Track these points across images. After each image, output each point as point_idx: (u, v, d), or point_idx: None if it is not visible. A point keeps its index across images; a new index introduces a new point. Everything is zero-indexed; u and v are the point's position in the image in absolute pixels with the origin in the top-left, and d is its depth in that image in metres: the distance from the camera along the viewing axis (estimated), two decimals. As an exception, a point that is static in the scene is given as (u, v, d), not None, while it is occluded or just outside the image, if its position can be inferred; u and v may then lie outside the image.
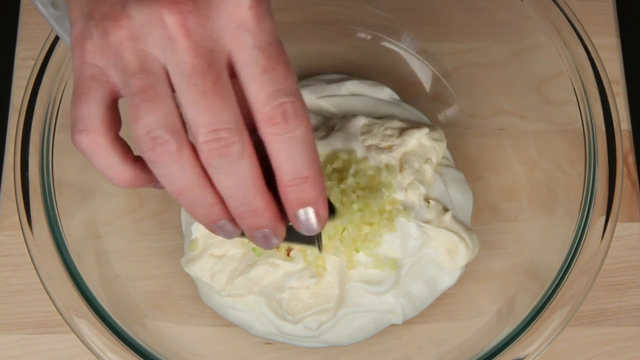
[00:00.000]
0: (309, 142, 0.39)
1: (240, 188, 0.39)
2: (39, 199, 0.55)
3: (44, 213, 0.55)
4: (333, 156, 0.60)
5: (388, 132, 0.62)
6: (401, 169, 0.60)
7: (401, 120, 0.64)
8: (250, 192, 0.39)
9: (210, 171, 0.39)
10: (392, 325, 0.61)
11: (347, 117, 0.64)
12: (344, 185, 0.58)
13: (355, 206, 0.58)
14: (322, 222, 0.41)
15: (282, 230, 0.42)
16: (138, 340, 0.54)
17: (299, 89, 0.39)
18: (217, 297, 0.61)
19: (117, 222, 0.62)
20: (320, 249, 0.46)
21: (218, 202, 0.40)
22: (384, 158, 0.60)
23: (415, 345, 0.61)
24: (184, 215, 0.65)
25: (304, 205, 0.40)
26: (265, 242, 0.42)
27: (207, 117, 0.37)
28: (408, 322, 0.61)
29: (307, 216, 0.40)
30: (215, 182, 0.39)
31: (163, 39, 0.37)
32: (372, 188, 0.59)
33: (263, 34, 0.38)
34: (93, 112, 0.39)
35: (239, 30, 0.38)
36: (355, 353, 0.62)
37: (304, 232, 0.41)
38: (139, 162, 0.41)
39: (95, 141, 0.39)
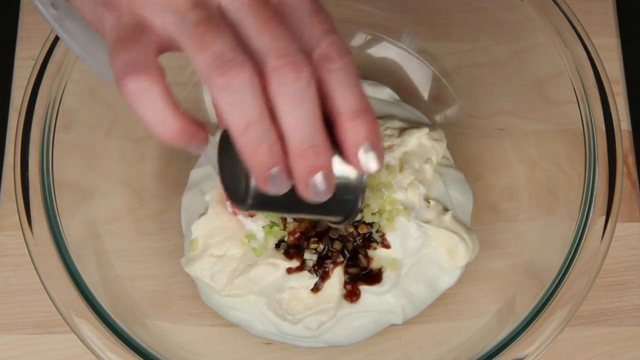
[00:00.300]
0: (356, 77, 0.40)
1: (307, 120, 0.38)
2: (39, 198, 0.55)
3: (44, 213, 0.55)
4: None
5: (388, 132, 0.62)
6: (401, 169, 0.60)
7: (401, 120, 0.64)
8: (315, 125, 0.39)
9: (280, 100, 0.38)
10: (392, 325, 0.61)
11: None
12: None
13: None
14: (381, 159, 0.41)
15: (333, 179, 0.40)
16: (138, 340, 0.54)
17: None
18: (217, 297, 0.61)
19: (117, 222, 0.62)
20: (348, 219, 0.45)
21: (279, 140, 0.39)
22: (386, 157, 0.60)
23: (415, 345, 0.61)
24: (184, 215, 0.65)
25: (367, 138, 0.40)
26: (318, 191, 0.40)
27: (276, 43, 0.37)
28: (408, 322, 0.61)
29: (369, 153, 0.40)
30: (282, 115, 0.38)
31: None
32: (372, 188, 0.59)
33: None
34: (147, 54, 0.38)
35: None
36: (355, 353, 0.62)
37: (364, 170, 0.40)
38: (186, 113, 0.39)
39: (150, 82, 0.37)
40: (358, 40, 0.69)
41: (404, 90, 0.69)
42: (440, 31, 0.67)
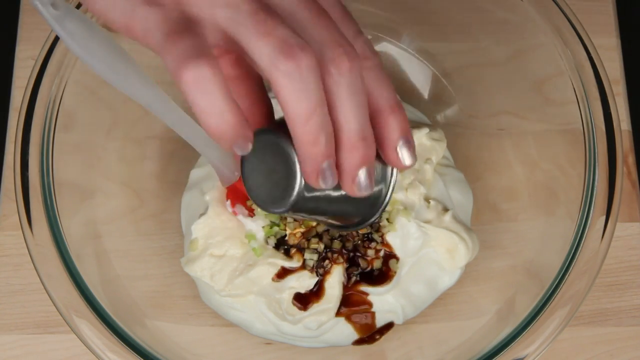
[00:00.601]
0: (386, 75, 0.41)
1: (361, 111, 0.39)
2: (39, 199, 0.55)
3: (44, 213, 0.55)
4: None
5: None
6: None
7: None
8: (366, 117, 0.39)
9: (337, 90, 0.38)
10: (393, 324, 0.61)
11: None
12: None
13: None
14: (415, 155, 0.42)
15: (374, 173, 0.41)
16: (138, 340, 0.54)
17: None
18: (217, 297, 0.61)
19: (117, 222, 0.62)
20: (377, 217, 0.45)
21: (333, 132, 0.39)
22: None
23: (416, 345, 0.61)
24: (184, 215, 0.65)
25: (404, 133, 0.41)
26: (363, 185, 0.40)
27: (331, 34, 0.38)
28: (408, 322, 0.61)
29: (404, 147, 0.41)
30: (339, 104, 0.38)
31: None
32: None
33: None
34: (202, 43, 0.37)
35: None
36: (355, 353, 0.62)
37: (401, 164, 0.41)
38: (240, 108, 0.38)
39: (212, 70, 0.36)
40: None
41: (404, 90, 0.69)
42: (441, 31, 0.67)
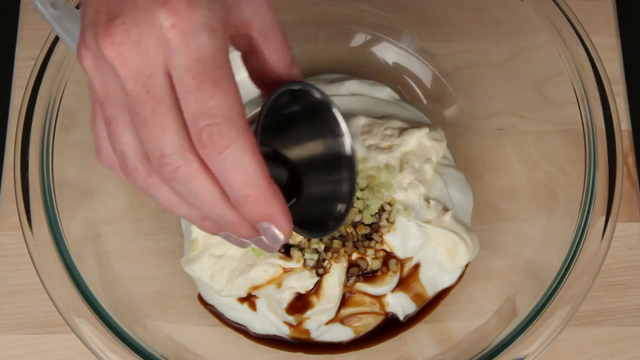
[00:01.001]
0: (243, 162, 0.37)
1: (205, 207, 0.39)
2: (39, 199, 0.55)
3: (44, 213, 0.55)
4: None
5: (388, 132, 0.62)
6: (401, 169, 0.60)
7: (401, 120, 0.64)
8: (216, 207, 0.39)
9: (184, 198, 0.40)
10: (393, 323, 0.61)
11: (347, 117, 0.63)
12: None
13: (355, 208, 0.58)
14: (285, 234, 0.40)
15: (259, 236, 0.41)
16: (138, 340, 0.54)
17: (235, 104, 0.37)
18: (217, 297, 0.61)
19: (117, 222, 0.62)
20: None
21: (226, 207, 0.40)
22: (384, 158, 0.60)
23: (416, 345, 0.61)
24: None
25: (259, 221, 0.39)
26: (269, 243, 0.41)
27: (151, 144, 0.37)
28: (409, 321, 0.61)
29: (267, 230, 0.40)
30: (193, 210, 0.41)
31: (110, 69, 0.37)
32: (371, 189, 0.59)
33: (190, 51, 0.36)
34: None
35: (167, 50, 0.36)
36: (355, 352, 0.62)
37: (270, 245, 0.41)
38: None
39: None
40: (358, 40, 0.69)
41: (404, 90, 0.69)
42: (440, 31, 0.67)
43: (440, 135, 0.64)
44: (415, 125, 0.63)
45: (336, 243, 0.58)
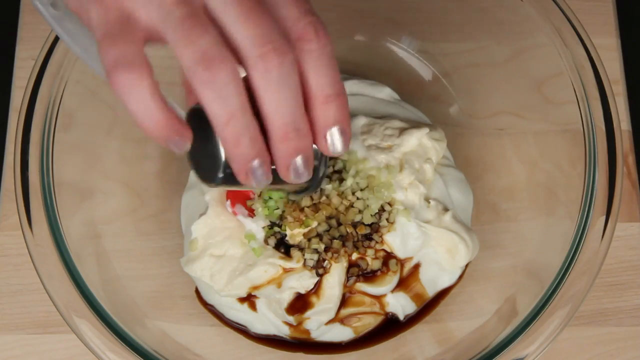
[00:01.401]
0: (335, 60, 0.40)
1: (290, 104, 0.39)
2: (39, 199, 0.55)
3: (44, 213, 0.55)
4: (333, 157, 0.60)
5: (388, 132, 0.62)
6: (401, 169, 0.60)
7: (401, 119, 0.64)
8: (298, 109, 0.40)
9: (264, 86, 0.39)
10: (393, 323, 0.61)
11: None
12: (343, 187, 0.58)
13: (355, 208, 0.58)
14: (347, 143, 0.42)
15: (312, 161, 0.42)
16: (138, 340, 0.54)
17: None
18: (217, 297, 0.61)
19: (117, 222, 0.62)
20: (316, 190, 0.47)
21: (260, 133, 0.40)
22: (384, 158, 0.60)
23: (416, 345, 0.61)
24: (184, 215, 0.65)
25: (337, 122, 0.41)
26: (299, 173, 0.42)
27: (260, 30, 0.38)
28: (409, 321, 0.61)
29: (336, 136, 0.42)
30: (266, 101, 0.39)
31: None
32: (371, 189, 0.59)
33: None
34: (135, 50, 0.39)
35: None
36: (355, 352, 0.62)
37: (331, 152, 0.42)
38: (173, 110, 0.40)
39: (140, 78, 0.38)
40: (358, 40, 0.69)
41: (404, 90, 0.69)
42: (440, 31, 0.67)
43: (440, 135, 0.63)
44: (416, 125, 0.63)
45: (336, 243, 0.58)
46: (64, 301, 0.53)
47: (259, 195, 0.59)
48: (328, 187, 0.58)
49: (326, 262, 0.58)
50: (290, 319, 0.59)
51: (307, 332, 0.60)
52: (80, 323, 0.53)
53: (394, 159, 0.61)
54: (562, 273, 0.55)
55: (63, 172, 0.57)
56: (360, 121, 0.62)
